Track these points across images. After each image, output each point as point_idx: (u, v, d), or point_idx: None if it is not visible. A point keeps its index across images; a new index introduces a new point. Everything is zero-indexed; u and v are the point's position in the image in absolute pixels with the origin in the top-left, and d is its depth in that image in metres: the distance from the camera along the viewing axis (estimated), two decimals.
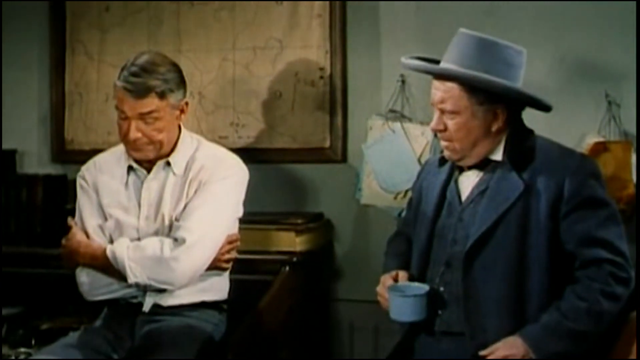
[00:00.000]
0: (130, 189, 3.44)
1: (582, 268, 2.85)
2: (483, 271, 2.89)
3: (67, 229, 3.41)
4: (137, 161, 3.43)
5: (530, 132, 3.03)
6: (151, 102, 3.29)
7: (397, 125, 4.10)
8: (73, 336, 3.37)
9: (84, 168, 3.55)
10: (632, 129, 3.87)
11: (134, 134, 3.29)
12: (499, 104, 2.92)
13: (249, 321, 3.48)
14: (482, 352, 2.83)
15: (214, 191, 3.35)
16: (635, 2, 3.82)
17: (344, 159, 4.29)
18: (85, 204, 3.46)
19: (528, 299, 2.86)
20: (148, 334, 3.29)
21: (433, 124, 3.00)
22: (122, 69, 3.32)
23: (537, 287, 2.86)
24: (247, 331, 3.26)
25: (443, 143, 3.00)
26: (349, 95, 4.29)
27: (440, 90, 2.94)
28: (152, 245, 3.26)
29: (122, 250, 3.26)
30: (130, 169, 3.44)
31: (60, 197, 4.48)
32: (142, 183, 3.43)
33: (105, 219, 3.41)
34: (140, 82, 3.27)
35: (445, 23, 3.99)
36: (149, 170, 3.43)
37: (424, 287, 2.97)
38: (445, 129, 2.96)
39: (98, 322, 3.42)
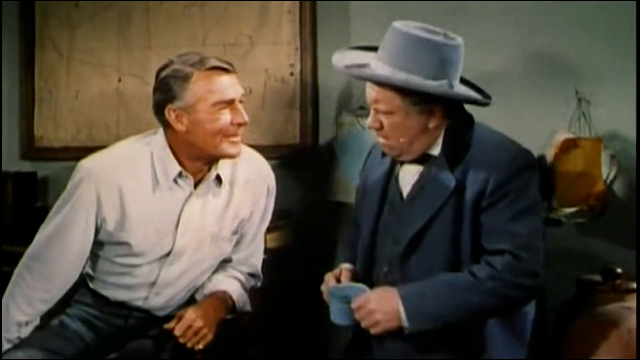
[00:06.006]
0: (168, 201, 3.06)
1: (486, 255, 2.79)
2: (421, 270, 2.83)
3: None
4: (184, 168, 3.05)
5: (471, 122, 2.94)
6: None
7: (367, 121, 4.06)
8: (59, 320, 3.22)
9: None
10: (602, 126, 3.91)
11: (244, 115, 3.02)
12: (435, 103, 2.84)
13: None
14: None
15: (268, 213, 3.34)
16: (635, 2, 3.84)
17: (314, 155, 4.30)
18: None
19: None
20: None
21: (369, 122, 2.93)
22: (190, 64, 2.99)
23: None
24: (216, 329, 3.23)
25: (380, 140, 2.94)
26: (320, 91, 4.30)
27: (373, 90, 2.87)
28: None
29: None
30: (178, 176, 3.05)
31: (29, 194, 4.47)
32: (185, 197, 3.07)
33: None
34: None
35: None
36: (195, 183, 3.08)
37: (363, 289, 2.86)
38: (382, 127, 2.90)
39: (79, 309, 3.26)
